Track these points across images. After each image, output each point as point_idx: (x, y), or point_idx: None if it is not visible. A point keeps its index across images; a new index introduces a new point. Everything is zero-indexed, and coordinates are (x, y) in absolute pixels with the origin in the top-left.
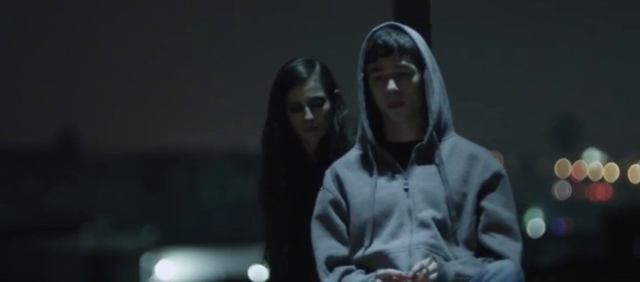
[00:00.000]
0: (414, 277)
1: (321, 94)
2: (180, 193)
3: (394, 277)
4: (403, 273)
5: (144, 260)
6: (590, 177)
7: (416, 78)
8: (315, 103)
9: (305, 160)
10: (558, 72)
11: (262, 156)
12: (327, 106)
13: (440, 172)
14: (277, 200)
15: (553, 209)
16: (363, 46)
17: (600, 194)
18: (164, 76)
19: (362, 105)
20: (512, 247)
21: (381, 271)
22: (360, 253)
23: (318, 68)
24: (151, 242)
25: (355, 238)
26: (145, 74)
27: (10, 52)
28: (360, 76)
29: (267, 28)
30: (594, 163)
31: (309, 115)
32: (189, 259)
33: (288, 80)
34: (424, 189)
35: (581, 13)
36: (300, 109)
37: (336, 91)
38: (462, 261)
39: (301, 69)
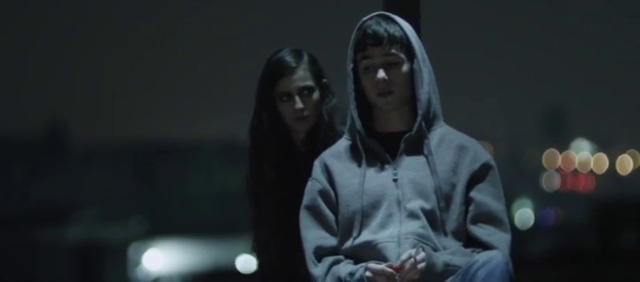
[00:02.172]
0: (402, 266)
1: (310, 83)
2: (169, 184)
3: (387, 272)
4: (393, 265)
5: (132, 250)
6: (578, 168)
7: (405, 67)
8: (305, 92)
9: (293, 150)
10: (547, 62)
11: (250, 147)
12: (316, 95)
13: (429, 162)
14: (266, 191)
15: (542, 200)
16: (353, 35)
17: (582, 185)
18: (153, 67)
19: (351, 95)
20: (500, 238)
21: (372, 265)
22: (348, 244)
23: (306, 57)
24: (139, 233)
25: (344, 228)
26: (134, 65)
27: None
28: (350, 65)
29: (256, 20)
30: (583, 154)
31: (299, 104)
32: (177, 250)
33: (276, 70)
34: (413, 179)
35: (570, 3)
36: (289, 98)
37: (324, 80)
38: (450, 251)
39: (289, 59)
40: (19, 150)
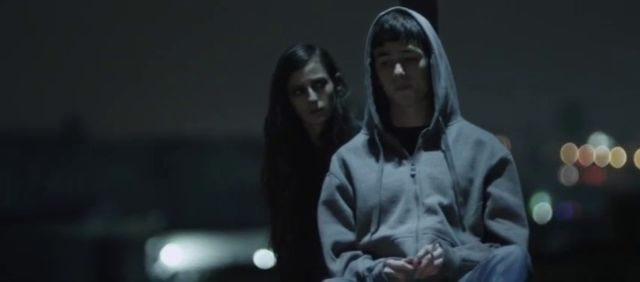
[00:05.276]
0: (419, 262)
1: (322, 75)
2: (186, 179)
3: (407, 268)
4: (410, 263)
5: (150, 246)
6: (596, 162)
7: (423, 63)
8: (318, 85)
9: (309, 145)
10: (565, 57)
11: (266, 142)
12: (329, 87)
13: (446, 157)
14: (282, 186)
15: (559, 194)
16: (370, 30)
17: (600, 179)
18: (170, 62)
19: (369, 90)
20: (518, 233)
21: (391, 261)
22: (366, 239)
23: (317, 51)
24: (156, 228)
25: (362, 223)
26: (151, 61)
27: (17, 39)
28: (367, 60)
29: (272, 17)
30: (601, 148)
31: (312, 96)
32: (195, 245)
33: (289, 65)
34: (431, 175)
35: None
36: (303, 91)
37: (338, 73)
38: (468, 246)
39: (301, 53)
40: (36, 146)
